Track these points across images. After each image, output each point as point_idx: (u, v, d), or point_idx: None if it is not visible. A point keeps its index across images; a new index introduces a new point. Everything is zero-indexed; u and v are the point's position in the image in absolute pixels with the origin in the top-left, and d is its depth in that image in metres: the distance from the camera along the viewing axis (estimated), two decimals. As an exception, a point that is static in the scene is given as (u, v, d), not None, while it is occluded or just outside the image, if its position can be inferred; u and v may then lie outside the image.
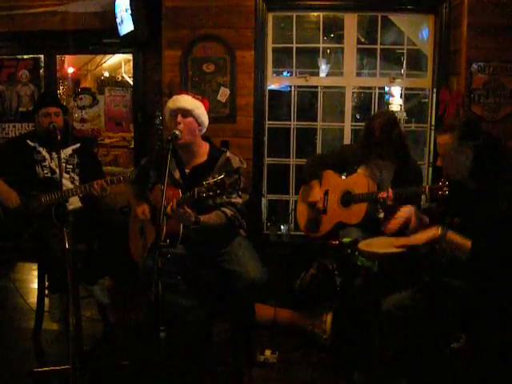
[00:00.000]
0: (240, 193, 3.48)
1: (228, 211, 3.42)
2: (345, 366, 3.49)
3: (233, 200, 3.44)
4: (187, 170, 3.56)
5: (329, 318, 3.84)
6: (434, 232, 2.69)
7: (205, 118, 3.53)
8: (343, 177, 4.20)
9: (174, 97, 3.54)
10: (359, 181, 3.99)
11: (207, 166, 3.50)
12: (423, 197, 4.16)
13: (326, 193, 4.16)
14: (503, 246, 2.59)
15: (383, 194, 3.70)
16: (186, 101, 3.46)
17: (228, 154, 3.55)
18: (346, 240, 3.38)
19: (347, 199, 4.05)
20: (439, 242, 2.72)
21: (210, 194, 2.96)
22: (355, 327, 3.52)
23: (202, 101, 3.56)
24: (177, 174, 3.54)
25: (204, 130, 3.58)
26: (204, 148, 3.59)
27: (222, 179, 2.93)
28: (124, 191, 3.95)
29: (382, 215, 4.01)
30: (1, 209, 3.84)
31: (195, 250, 3.49)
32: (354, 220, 3.94)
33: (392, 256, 2.99)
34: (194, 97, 3.53)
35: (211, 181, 2.95)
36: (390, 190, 3.65)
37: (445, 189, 3.25)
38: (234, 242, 3.54)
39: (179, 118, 3.41)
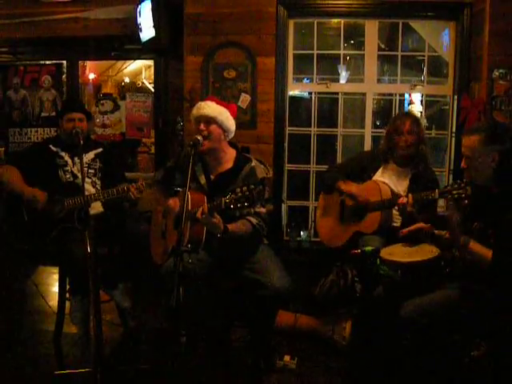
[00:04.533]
0: (264, 203, 3.44)
1: (253, 220, 3.39)
2: (364, 372, 3.47)
3: (257, 209, 3.40)
4: (212, 176, 3.54)
5: (348, 324, 3.83)
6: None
7: (230, 124, 3.50)
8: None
9: (199, 103, 3.53)
10: (372, 189, 3.95)
11: (231, 174, 3.49)
12: (442, 203, 4.13)
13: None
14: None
15: (403, 200, 3.60)
16: (210, 108, 3.44)
17: (254, 163, 3.51)
18: (367, 249, 3.34)
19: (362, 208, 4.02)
20: (460, 250, 2.71)
21: (238, 205, 2.96)
22: (375, 334, 3.51)
23: (228, 106, 3.53)
24: (202, 180, 3.53)
25: (231, 136, 3.56)
26: (230, 155, 3.57)
27: (251, 190, 2.91)
28: (144, 196, 3.97)
29: (397, 224, 3.96)
30: (25, 211, 3.89)
31: (218, 257, 3.48)
32: (369, 229, 3.90)
33: (415, 264, 2.97)
34: (218, 102, 3.52)
35: (239, 192, 2.94)
36: (410, 196, 3.54)
37: (461, 191, 3.11)
38: (258, 251, 3.52)
39: (202, 126, 3.41)
